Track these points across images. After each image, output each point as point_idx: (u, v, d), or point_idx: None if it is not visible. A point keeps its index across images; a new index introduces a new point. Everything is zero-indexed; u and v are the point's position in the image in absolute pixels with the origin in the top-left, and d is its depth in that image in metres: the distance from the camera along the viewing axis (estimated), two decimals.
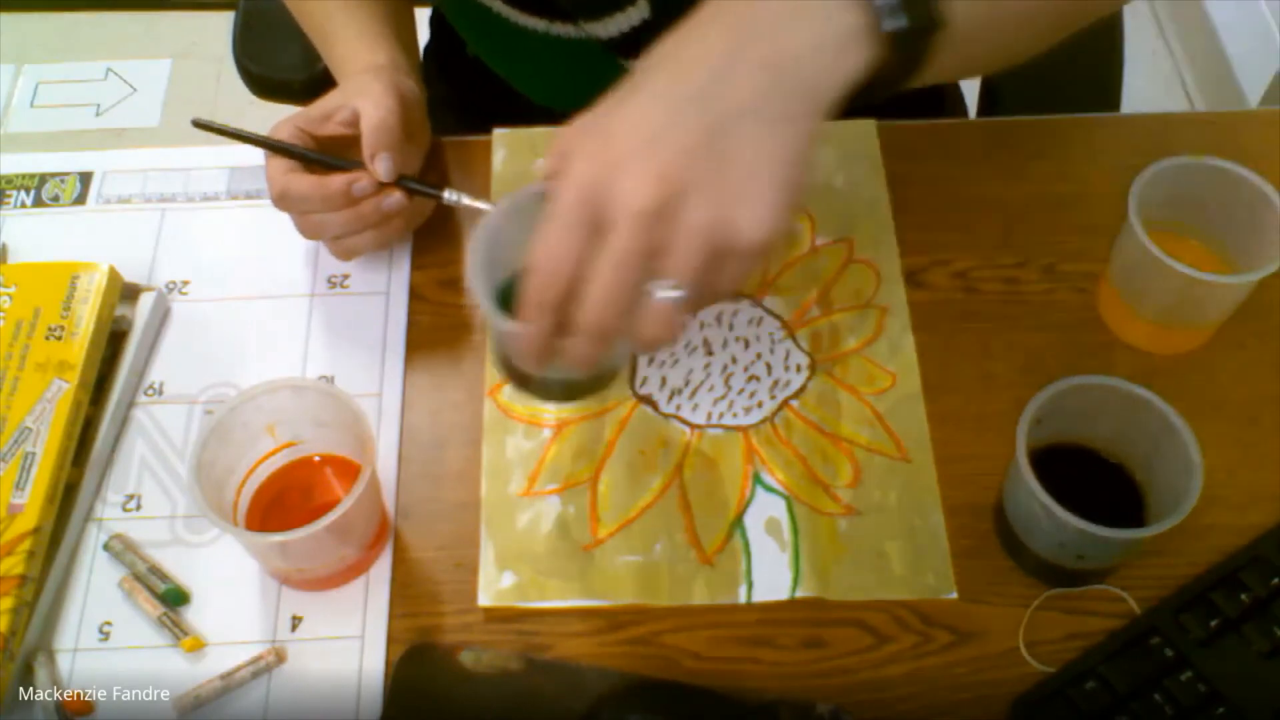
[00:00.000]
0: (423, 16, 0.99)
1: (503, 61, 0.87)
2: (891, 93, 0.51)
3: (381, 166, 0.67)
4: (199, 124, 0.70)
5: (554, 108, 0.88)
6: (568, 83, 0.86)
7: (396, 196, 0.68)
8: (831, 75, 0.47)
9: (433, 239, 0.74)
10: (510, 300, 0.55)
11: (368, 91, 0.69)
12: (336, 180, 0.67)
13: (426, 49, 1.03)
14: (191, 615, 0.61)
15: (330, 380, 0.68)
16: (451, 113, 0.93)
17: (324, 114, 0.69)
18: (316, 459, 0.64)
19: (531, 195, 0.55)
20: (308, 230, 0.70)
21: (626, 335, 0.48)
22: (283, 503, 0.63)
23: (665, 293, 0.46)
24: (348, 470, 0.63)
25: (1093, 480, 0.62)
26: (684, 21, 0.49)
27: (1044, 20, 0.58)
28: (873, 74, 0.48)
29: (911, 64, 0.50)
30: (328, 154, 0.69)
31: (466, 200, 0.69)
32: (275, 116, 0.73)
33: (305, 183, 0.67)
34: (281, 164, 0.68)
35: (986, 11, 0.54)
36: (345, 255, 0.71)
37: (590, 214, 0.46)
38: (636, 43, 0.78)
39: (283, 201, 0.68)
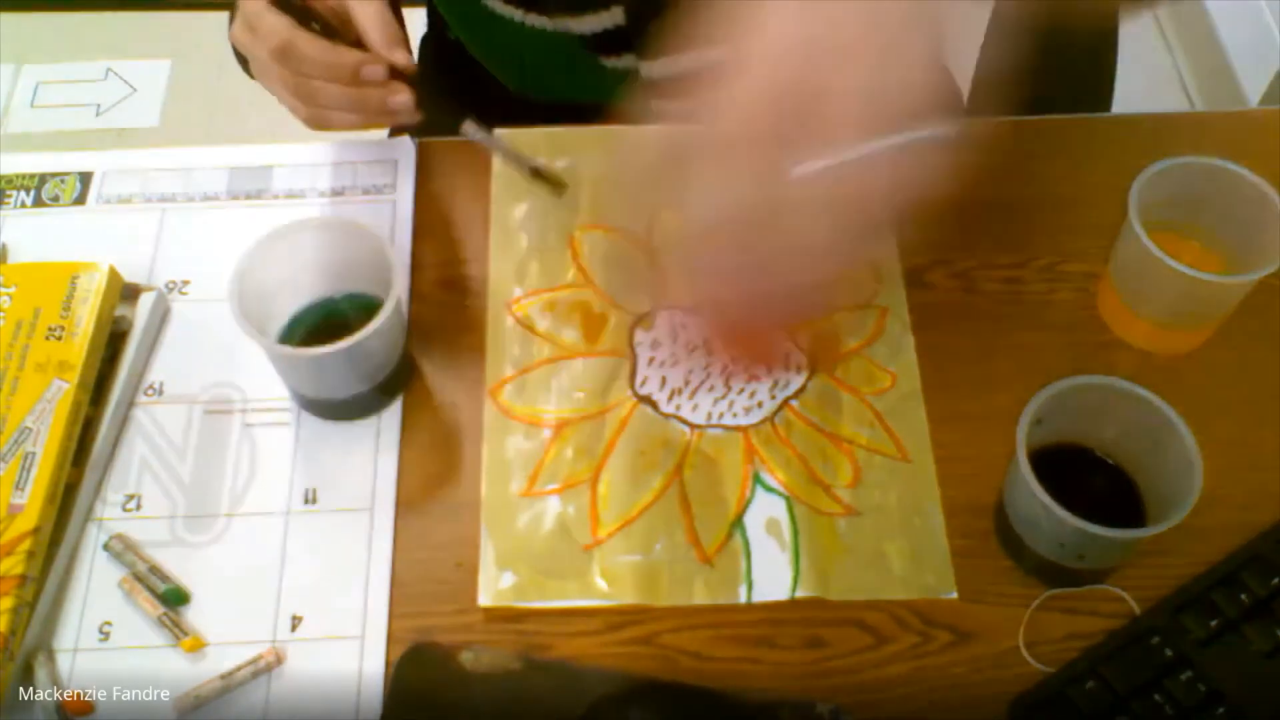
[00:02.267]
0: (421, 11, 1.00)
1: (479, 47, 0.87)
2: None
3: (402, 58, 0.64)
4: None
5: (529, 97, 0.88)
6: (542, 74, 0.86)
7: (404, 97, 0.65)
8: None
9: (433, 239, 0.74)
10: (296, 331, 0.66)
11: None
12: (352, 54, 0.64)
13: (423, 37, 1.03)
14: (191, 615, 0.61)
15: None
16: (440, 98, 0.94)
17: None
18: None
19: (295, 226, 0.62)
20: (292, 91, 0.66)
21: None
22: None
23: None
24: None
25: (1093, 480, 0.62)
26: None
27: None
28: None
29: None
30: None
31: (480, 135, 0.66)
32: (274, 117, 0.73)
33: (316, 45, 0.64)
34: (284, 18, 0.64)
35: None
36: (319, 126, 0.68)
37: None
38: (611, 42, 0.77)
39: (282, 56, 0.64)
